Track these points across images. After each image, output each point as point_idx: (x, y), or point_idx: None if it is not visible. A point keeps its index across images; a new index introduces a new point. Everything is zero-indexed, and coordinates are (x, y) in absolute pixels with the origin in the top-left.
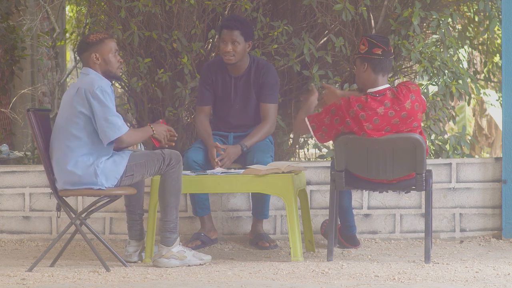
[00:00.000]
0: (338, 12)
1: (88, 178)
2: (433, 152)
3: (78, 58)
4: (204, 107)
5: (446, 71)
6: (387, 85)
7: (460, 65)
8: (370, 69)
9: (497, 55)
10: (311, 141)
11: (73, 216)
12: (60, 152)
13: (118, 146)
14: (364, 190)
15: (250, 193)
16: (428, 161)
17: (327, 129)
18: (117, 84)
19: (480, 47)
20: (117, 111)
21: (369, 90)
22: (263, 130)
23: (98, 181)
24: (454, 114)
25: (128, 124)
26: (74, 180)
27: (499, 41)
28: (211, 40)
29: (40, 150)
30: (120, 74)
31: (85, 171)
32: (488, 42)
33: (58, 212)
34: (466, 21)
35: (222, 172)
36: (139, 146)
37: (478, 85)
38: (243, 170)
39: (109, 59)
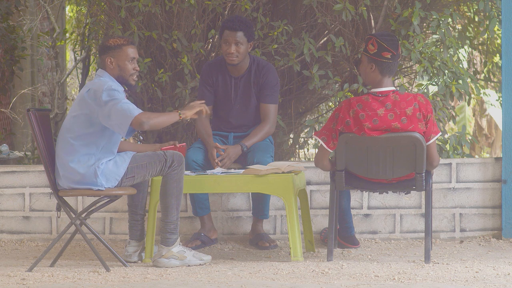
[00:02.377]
0: (338, 12)
1: (89, 178)
2: None
3: (78, 58)
4: None
5: (446, 71)
6: (392, 88)
7: (460, 65)
8: (377, 70)
9: (497, 55)
10: (311, 141)
11: (73, 216)
12: (64, 149)
13: (140, 129)
14: (364, 191)
15: (250, 193)
16: None
17: (336, 134)
18: None
19: (480, 47)
20: None
21: (373, 90)
22: (263, 131)
23: (98, 181)
24: (454, 114)
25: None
26: (76, 178)
27: (499, 41)
28: (211, 40)
29: (40, 150)
30: (134, 83)
31: (86, 170)
32: (488, 42)
33: (58, 212)
34: (466, 21)
35: (222, 172)
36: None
37: (478, 85)
38: (243, 170)
39: (124, 66)
